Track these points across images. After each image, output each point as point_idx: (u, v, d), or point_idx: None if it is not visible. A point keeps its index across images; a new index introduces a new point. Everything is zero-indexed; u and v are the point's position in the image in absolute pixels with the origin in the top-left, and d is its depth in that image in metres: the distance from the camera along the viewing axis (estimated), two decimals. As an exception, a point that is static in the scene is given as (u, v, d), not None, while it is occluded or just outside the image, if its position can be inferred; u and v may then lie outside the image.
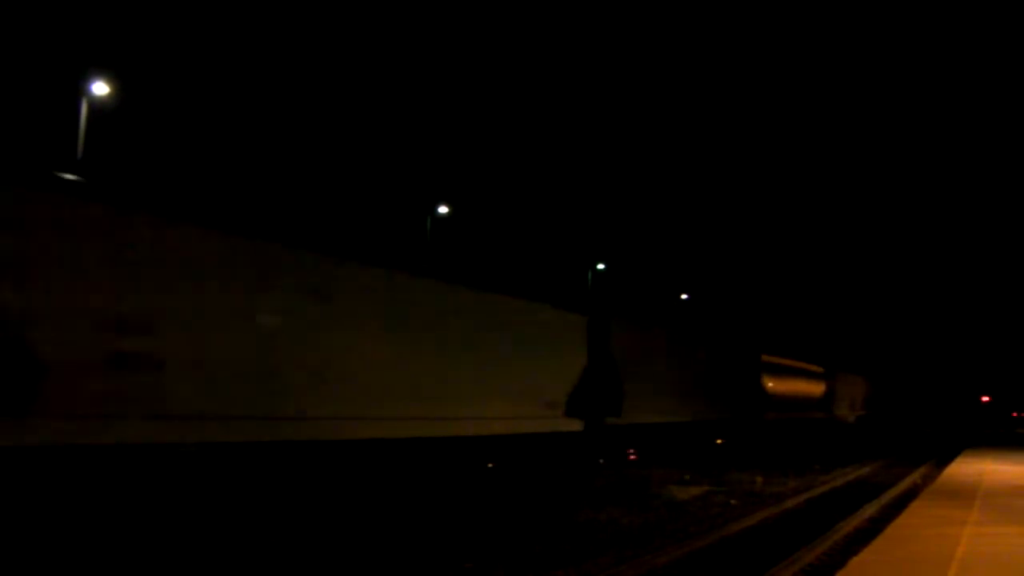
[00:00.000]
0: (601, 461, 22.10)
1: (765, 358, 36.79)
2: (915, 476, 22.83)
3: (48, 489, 9.43)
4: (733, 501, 16.45)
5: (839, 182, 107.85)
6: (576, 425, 20.34)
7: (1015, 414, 76.14)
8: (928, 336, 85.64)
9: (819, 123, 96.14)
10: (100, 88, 20.60)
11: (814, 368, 46.22)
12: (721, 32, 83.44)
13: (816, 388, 45.76)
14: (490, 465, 18.04)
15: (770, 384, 36.76)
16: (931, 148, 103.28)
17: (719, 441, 30.87)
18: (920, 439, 46.56)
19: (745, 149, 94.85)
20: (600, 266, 44.49)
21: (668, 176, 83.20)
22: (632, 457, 24.02)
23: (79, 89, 20.42)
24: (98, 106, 20.94)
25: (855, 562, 9.48)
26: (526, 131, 66.21)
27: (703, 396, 29.25)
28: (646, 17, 74.11)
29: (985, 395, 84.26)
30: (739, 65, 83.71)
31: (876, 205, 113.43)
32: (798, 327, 65.62)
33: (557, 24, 72.12)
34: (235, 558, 9.85)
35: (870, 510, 15.49)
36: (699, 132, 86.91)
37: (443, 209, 34.43)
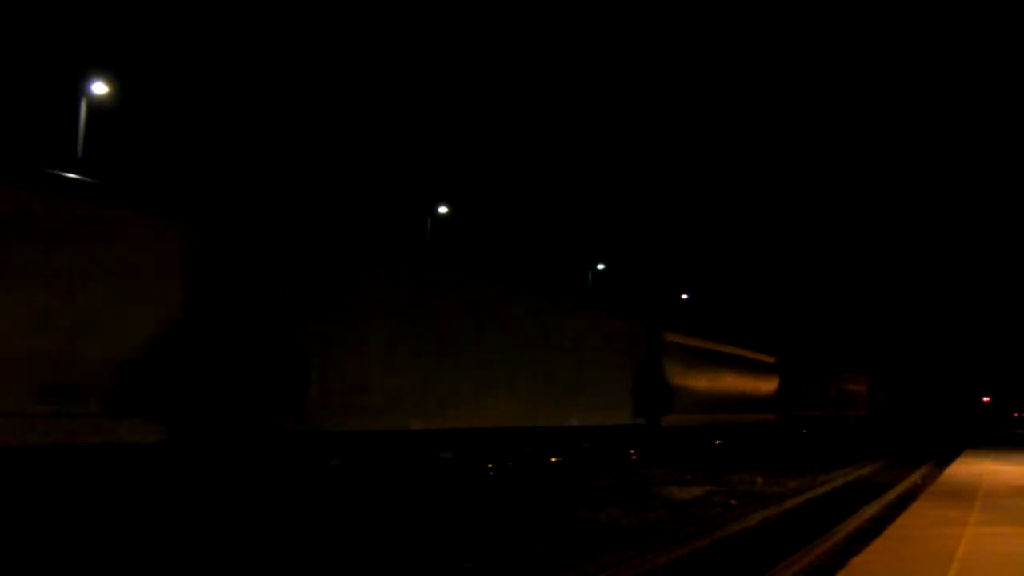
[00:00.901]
0: (601, 461, 22.05)
1: (671, 338, 26.24)
2: (915, 476, 22.82)
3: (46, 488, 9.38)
4: (733, 501, 16.43)
5: (839, 182, 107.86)
6: (144, 433, 9.97)
7: (1016, 414, 76.09)
8: (929, 336, 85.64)
9: (822, 124, 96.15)
10: (100, 88, 20.59)
11: (758, 357, 35.80)
12: (721, 32, 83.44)
13: (763, 383, 35.81)
14: (490, 465, 18.00)
15: (676, 374, 26.02)
16: (931, 148, 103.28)
17: (718, 442, 30.71)
18: (920, 440, 46.51)
19: (746, 149, 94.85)
20: (600, 266, 44.51)
21: (668, 176, 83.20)
22: (632, 457, 23.98)
23: (79, 89, 20.42)
24: (98, 106, 20.94)
25: (856, 562, 9.46)
26: (527, 131, 66.26)
27: (531, 389, 18.07)
28: (646, 17, 74.15)
29: (986, 395, 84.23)
30: (739, 65, 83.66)
31: (876, 204, 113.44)
32: (748, 315, 62.43)
33: (557, 24, 72.14)
34: (235, 557, 9.82)
35: (871, 510, 15.46)
36: (699, 132, 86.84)
37: (443, 209, 34.43)
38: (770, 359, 37.36)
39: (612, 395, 22.06)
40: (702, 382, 28.66)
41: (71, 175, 9.94)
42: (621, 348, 23.00)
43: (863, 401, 56.87)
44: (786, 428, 37.36)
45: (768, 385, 36.46)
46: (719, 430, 30.21)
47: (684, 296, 53.84)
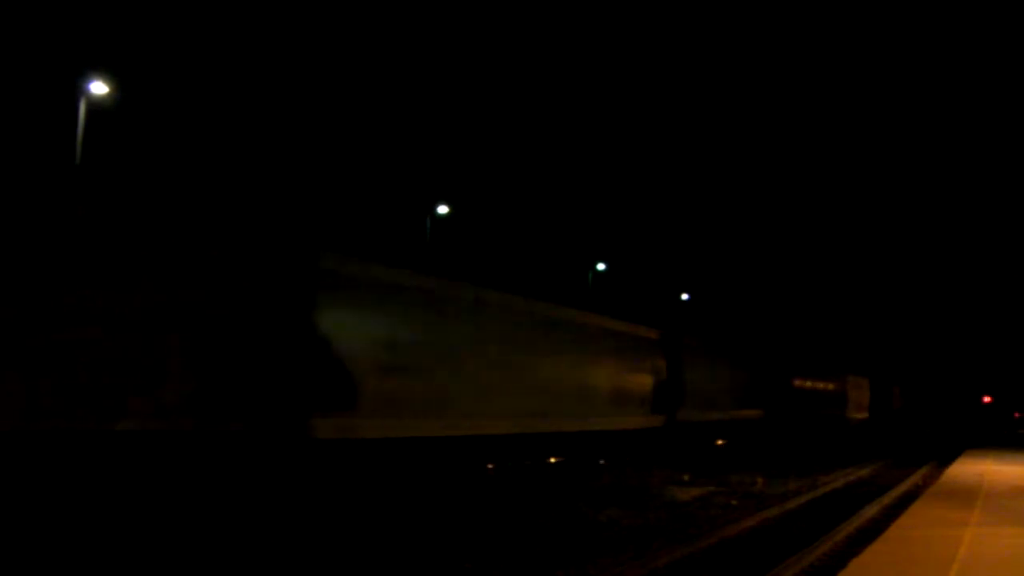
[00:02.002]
0: (602, 462, 22.00)
1: (340, 268, 13.95)
2: (916, 477, 22.77)
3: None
4: (734, 502, 16.40)
5: (839, 181, 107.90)
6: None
7: (1016, 415, 76.03)
8: (929, 336, 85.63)
9: (822, 123, 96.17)
10: (99, 88, 20.56)
11: (615, 326, 23.46)
12: (721, 32, 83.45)
13: (631, 370, 23.75)
14: (490, 466, 17.98)
15: (359, 338, 14.01)
16: (931, 148, 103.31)
17: (720, 441, 30.58)
18: (919, 442, 46.24)
19: (745, 149, 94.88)
20: (600, 266, 44.47)
21: (668, 176, 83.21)
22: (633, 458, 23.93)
23: (78, 89, 20.39)
24: (97, 106, 20.91)
25: (856, 563, 9.44)
26: (526, 131, 66.26)
27: None
28: (647, 17, 74.13)
29: (987, 396, 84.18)
30: (739, 65, 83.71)
31: (875, 203, 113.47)
32: (748, 316, 59.61)
33: (558, 24, 72.15)
34: (235, 557, 9.80)
35: (871, 511, 15.44)
36: (699, 132, 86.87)
37: (443, 209, 34.38)
38: (651, 334, 24.95)
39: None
40: (464, 360, 15.99)
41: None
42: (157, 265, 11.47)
43: (839, 401, 47.69)
44: (672, 436, 25.37)
45: (644, 375, 24.24)
46: (509, 444, 17.58)
47: (684, 296, 53.80)
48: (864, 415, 53.77)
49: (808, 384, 41.38)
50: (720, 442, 30.53)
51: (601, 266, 44.44)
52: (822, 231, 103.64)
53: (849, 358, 55.80)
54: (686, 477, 20.31)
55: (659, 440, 24.64)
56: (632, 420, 23.05)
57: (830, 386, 45.81)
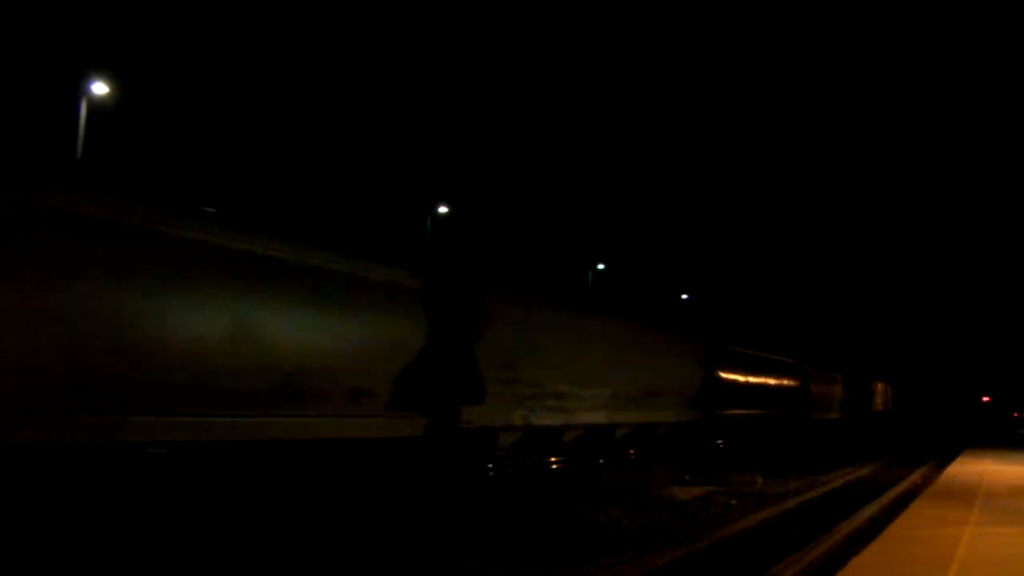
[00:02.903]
0: (601, 461, 21.99)
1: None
2: (915, 476, 22.82)
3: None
4: (733, 502, 16.44)
5: (839, 181, 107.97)
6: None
7: (1016, 414, 76.05)
8: (928, 335, 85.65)
9: (821, 123, 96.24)
10: (100, 88, 20.60)
11: (322, 260, 11.42)
12: (721, 32, 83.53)
13: (353, 346, 12.00)
14: (490, 466, 17.98)
15: None
16: (931, 148, 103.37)
17: (719, 442, 30.47)
18: (916, 440, 46.18)
19: (744, 149, 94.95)
20: (600, 266, 44.53)
21: (668, 176, 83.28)
22: (632, 457, 23.94)
23: (79, 89, 20.43)
24: (98, 106, 20.96)
25: (856, 562, 9.47)
26: (527, 131, 66.32)
27: None
28: (646, 17, 74.21)
29: (986, 395, 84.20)
30: (739, 65, 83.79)
31: (876, 204, 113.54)
32: (746, 317, 58.33)
33: (558, 24, 72.21)
34: (236, 558, 9.82)
35: (870, 510, 15.48)
36: (699, 132, 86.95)
37: (443, 209, 34.42)
38: (406, 279, 13.26)
39: None
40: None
41: None
42: None
43: (799, 399, 39.58)
44: (442, 448, 15.45)
45: (384, 347, 12.81)
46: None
47: (684, 296, 53.84)
48: (835, 415, 46.90)
49: (749, 379, 32.64)
50: (720, 442, 30.24)
51: (601, 266, 44.52)
52: (814, 228, 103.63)
53: (815, 352, 48.15)
54: (686, 477, 20.35)
55: (414, 455, 14.61)
56: (329, 425, 12.28)
57: (785, 381, 37.78)
